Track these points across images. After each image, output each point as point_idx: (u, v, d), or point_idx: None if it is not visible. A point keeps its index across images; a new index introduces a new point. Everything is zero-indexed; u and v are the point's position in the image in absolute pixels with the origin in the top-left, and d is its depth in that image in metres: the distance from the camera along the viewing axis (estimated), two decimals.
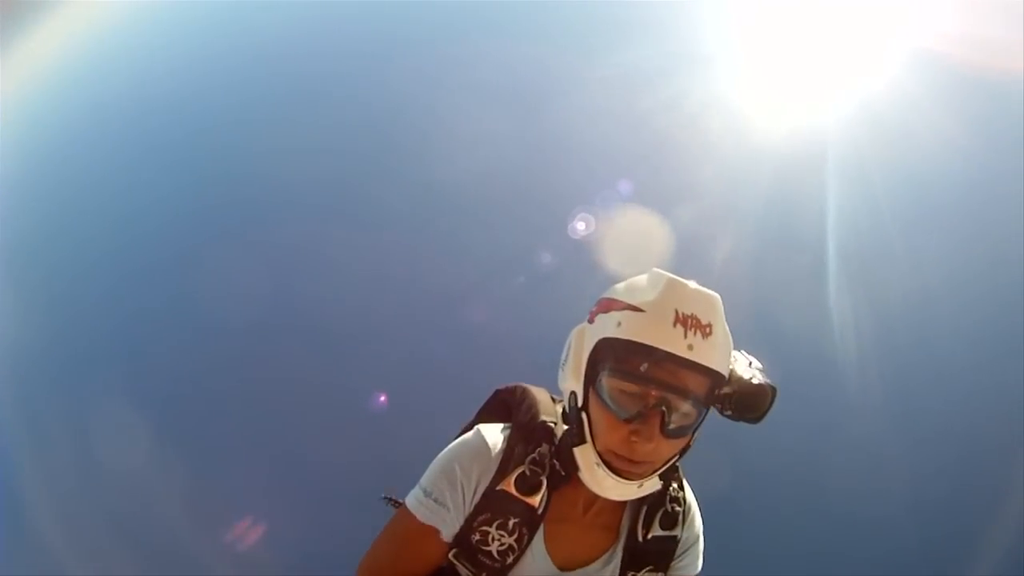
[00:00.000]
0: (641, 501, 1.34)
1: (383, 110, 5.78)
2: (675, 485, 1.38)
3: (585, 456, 1.25)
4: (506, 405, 1.46)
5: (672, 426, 1.17)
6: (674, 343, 1.14)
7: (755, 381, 1.24)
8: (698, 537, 1.44)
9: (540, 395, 1.43)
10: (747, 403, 1.24)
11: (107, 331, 5.47)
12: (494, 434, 1.36)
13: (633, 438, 1.18)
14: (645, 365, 1.15)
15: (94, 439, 4.85)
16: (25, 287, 5.32)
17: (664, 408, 1.16)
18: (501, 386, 1.52)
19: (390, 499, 2.65)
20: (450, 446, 1.38)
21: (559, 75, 5.83)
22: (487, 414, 1.54)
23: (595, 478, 1.25)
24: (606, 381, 1.20)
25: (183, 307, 5.39)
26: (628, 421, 1.18)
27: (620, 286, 1.27)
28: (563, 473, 1.30)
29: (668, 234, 4.73)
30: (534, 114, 5.69)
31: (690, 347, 1.14)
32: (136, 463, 4.70)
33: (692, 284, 1.20)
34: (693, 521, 1.43)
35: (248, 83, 5.99)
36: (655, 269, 1.25)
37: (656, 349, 1.14)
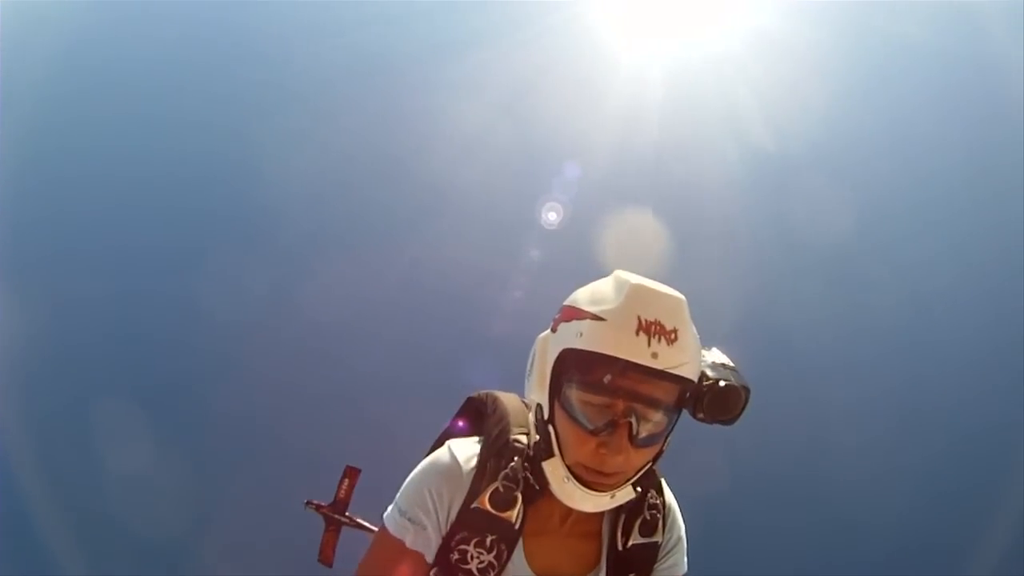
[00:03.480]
0: (619, 508, 1.30)
1: (376, 115, 5.75)
2: (653, 491, 1.35)
3: (554, 470, 1.23)
4: (480, 413, 1.43)
5: (641, 436, 1.14)
6: (637, 352, 1.09)
7: (724, 383, 1.19)
8: (680, 538, 1.41)
9: (511, 403, 1.40)
10: (719, 406, 1.19)
11: (108, 331, 5.48)
12: (465, 450, 1.33)
13: (602, 450, 1.15)
14: (608, 376, 1.11)
15: (95, 439, 4.87)
16: (24, 287, 5.33)
17: (632, 419, 1.12)
18: (473, 393, 1.49)
19: (313, 504, 2.62)
20: (421, 464, 1.35)
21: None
22: (460, 422, 1.51)
23: (565, 492, 1.22)
24: (571, 394, 1.16)
25: (184, 309, 5.40)
26: (595, 433, 1.15)
27: (582, 292, 1.22)
28: (537, 487, 1.27)
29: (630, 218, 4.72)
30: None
31: (654, 355, 1.09)
32: (137, 463, 4.72)
33: (656, 287, 1.15)
34: (674, 523, 1.41)
35: (245, 86, 5.98)
36: (618, 272, 1.20)
37: (619, 359, 1.10)
